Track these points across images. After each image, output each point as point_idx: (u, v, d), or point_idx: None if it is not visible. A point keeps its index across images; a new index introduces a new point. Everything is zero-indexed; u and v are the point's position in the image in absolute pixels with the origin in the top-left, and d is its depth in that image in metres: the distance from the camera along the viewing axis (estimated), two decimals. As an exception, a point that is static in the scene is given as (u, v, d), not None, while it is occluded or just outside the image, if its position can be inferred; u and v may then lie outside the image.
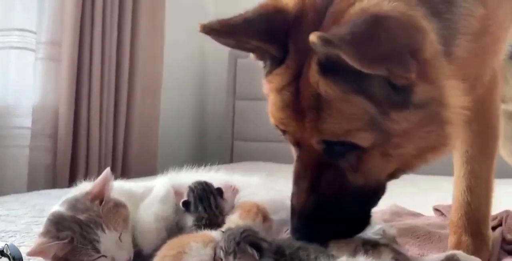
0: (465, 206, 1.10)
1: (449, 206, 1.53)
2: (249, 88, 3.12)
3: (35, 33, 2.14)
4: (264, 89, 0.93)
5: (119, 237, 0.96)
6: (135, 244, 1.00)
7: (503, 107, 1.19)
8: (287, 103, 0.86)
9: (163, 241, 0.96)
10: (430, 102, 0.83)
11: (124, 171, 2.51)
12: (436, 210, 1.59)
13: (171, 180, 1.13)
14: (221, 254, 0.85)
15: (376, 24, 0.77)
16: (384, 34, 0.77)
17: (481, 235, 1.10)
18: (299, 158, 0.90)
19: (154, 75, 2.78)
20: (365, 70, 0.77)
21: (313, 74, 0.82)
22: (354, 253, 0.86)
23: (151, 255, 0.93)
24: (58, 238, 0.92)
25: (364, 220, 0.93)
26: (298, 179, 0.90)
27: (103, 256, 0.93)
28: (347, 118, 0.81)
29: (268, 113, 0.92)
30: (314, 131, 0.84)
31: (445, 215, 1.51)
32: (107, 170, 1.01)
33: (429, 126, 0.84)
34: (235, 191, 1.10)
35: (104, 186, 0.99)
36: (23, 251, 1.04)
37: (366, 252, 0.87)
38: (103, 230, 0.93)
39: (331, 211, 0.88)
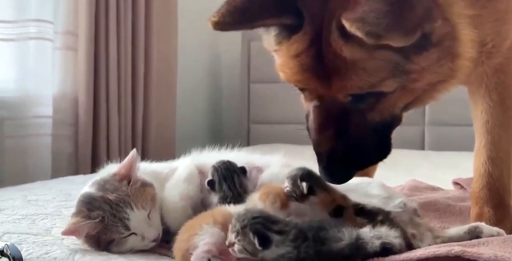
0: (486, 176, 1.10)
1: (469, 179, 1.54)
2: (263, 71, 3.13)
3: (52, 23, 2.16)
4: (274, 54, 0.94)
5: (148, 216, 0.99)
6: (162, 222, 1.03)
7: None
8: (306, 66, 0.87)
9: (189, 219, 0.99)
10: (444, 38, 0.86)
11: (143, 156, 2.54)
12: (455, 183, 1.60)
13: (194, 160, 1.15)
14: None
15: None
16: None
17: (503, 205, 1.10)
18: (320, 108, 0.92)
19: (169, 60, 2.79)
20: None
21: (335, 39, 0.83)
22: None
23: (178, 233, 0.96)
24: (90, 218, 0.95)
25: (387, 146, 0.97)
26: (321, 127, 0.92)
27: (133, 233, 0.96)
28: (373, 73, 0.84)
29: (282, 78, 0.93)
30: (341, 88, 0.87)
31: (464, 188, 1.52)
32: (134, 151, 1.03)
33: (442, 60, 0.87)
34: (259, 171, 1.12)
35: (131, 166, 1.02)
36: (56, 232, 1.09)
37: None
38: (132, 209, 0.97)
39: (357, 150, 0.92)
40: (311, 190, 0.94)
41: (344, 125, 0.91)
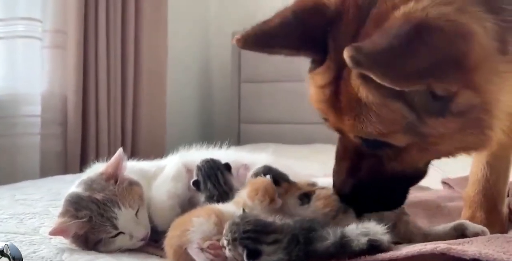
0: (483, 181, 1.11)
1: (457, 179, 1.55)
2: (254, 71, 3.13)
3: (40, 21, 2.15)
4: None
5: (136, 214, 0.99)
6: (150, 221, 1.03)
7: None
8: (327, 99, 0.87)
9: (177, 217, 0.99)
10: (471, 110, 0.80)
11: (133, 155, 2.52)
12: (444, 183, 1.61)
13: (182, 159, 1.15)
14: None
15: (415, 37, 0.73)
16: (423, 48, 0.73)
17: (496, 211, 1.11)
18: (340, 140, 0.92)
19: (159, 59, 2.78)
20: (398, 89, 0.75)
21: (354, 78, 0.81)
22: None
23: (166, 231, 0.95)
24: (77, 217, 0.95)
25: (400, 199, 0.95)
26: (339, 159, 0.93)
27: (121, 232, 0.96)
28: (384, 122, 0.81)
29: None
30: (352, 128, 0.85)
31: (453, 188, 1.53)
32: (120, 150, 1.03)
33: (468, 130, 0.82)
34: (246, 168, 1.12)
35: (118, 165, 1.01)
36: (44, 231, 1.08)
37: None
38: (119, 208, 0.97)
39: (368, 192, 0.91)
40: (275, 182, 0.97)
41: (358, 164, 0.90)
